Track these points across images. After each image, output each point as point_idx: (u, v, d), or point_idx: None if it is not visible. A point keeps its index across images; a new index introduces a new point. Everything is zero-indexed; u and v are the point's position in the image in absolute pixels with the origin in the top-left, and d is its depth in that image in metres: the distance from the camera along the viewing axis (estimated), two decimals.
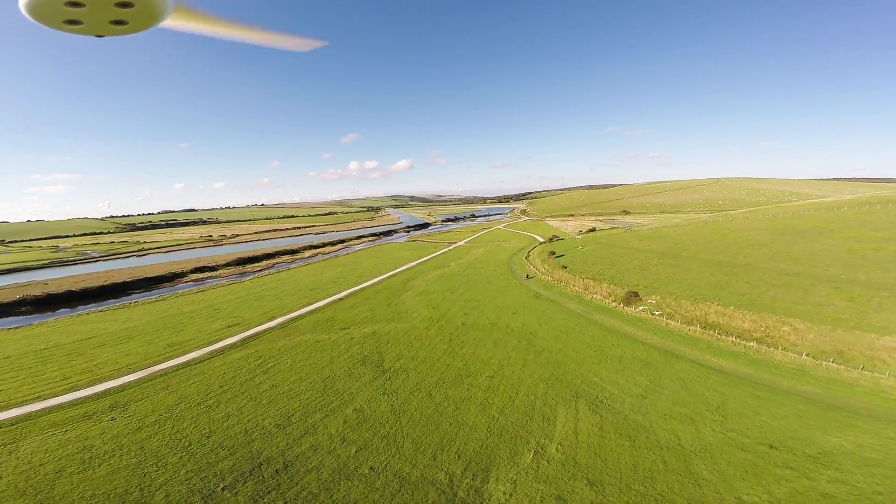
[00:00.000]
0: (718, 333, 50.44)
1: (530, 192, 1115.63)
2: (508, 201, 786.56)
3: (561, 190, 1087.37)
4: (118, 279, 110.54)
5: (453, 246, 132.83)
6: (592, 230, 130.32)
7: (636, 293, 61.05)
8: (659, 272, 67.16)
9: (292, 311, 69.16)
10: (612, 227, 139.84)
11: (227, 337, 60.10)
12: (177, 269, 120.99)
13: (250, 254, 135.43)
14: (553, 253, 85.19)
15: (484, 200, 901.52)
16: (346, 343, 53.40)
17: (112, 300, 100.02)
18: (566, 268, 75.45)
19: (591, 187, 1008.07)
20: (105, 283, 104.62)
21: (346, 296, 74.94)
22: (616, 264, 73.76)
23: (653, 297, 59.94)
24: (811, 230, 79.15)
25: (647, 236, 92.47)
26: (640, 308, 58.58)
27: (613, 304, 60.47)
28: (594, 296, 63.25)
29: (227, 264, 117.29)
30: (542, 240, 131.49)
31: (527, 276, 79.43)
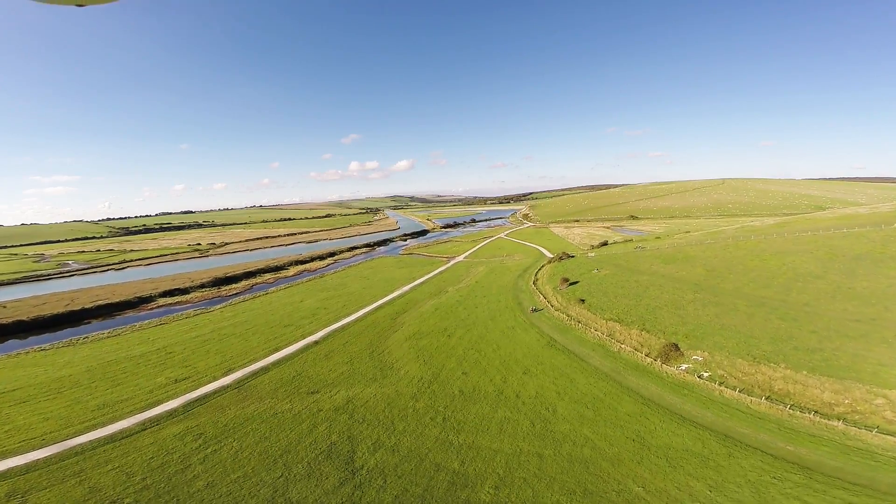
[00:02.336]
0: (790, 408, 39.20)
1: (531, 193, 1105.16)
2: (509, 202, 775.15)
3: (562, 190, 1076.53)
4: (79, 304, 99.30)
5: (452, 262, 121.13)
6: (604, 244, 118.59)
7: (676, 345, 49.46)
8: (698, 313, 55.57)
9: (255, 359, 57.93)
10: (626, 240, 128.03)
11: (169, 398, 49.39)
12: (147, 290, 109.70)
13: (230, 271, 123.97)
14: (566, 280, 73.52)
15: (484, 201, 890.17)
16: (310, 419, 42.03)
17: (69, 328, 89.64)
18: (584, 301, 63.89)
19: (591, 187, 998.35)
20: (61, 312, 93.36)
21: (324, 337, 63.49)
22: (643, 298, 62.15)
23: (698, 352, 48.35)
24: (867, 256, 67.51)
25: (671, 257, 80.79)
26: (683, 367, 47.07)
27: (648, 359, 48.90)
28: (623, 346, 51.66)
29: (202, 285, 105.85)
30: (549, 255, 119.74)
31: (533, 309, 67.88)
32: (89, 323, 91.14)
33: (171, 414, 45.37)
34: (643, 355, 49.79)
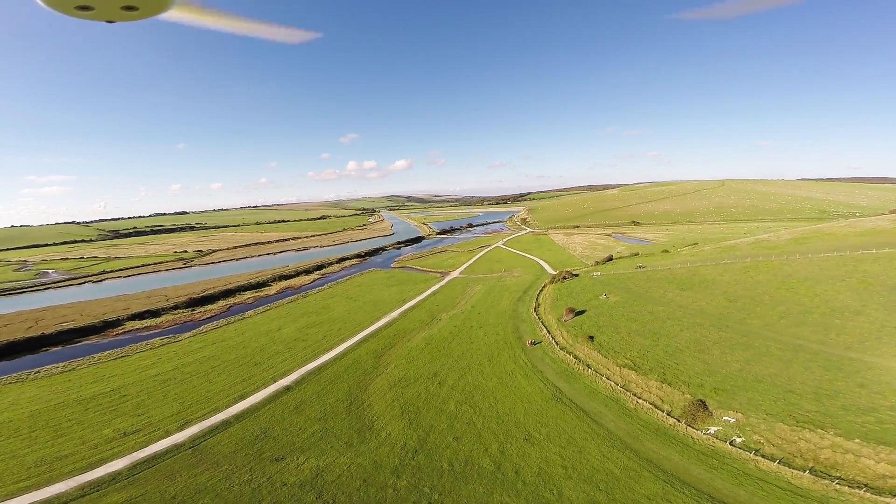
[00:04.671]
0: (837, 483, 33.01)
1: (528, 193, 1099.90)
2: (507, 203, 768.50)
3: (559, 191, 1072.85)
4: (42, 328, 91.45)
5: (447, 278, 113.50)
6: (610, 258, 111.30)
7: (703, 403, 42.30)
8: (726, 359, 48.38)
9: (217, 409, 50.51)
10: (632, 253, 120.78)
11: (115, 457, 42.25)
12: (118, 310, 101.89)
13: (209, 288, 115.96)
14: (572, 310, 66.04)
15: (482, 202, 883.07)
16: (272, 497, 35.07)
17: (29, 355, 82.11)
18: (593, 339, 56.50)
19: (590, 187, 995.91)
20: (19, 339, 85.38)
21: (297, 381, 55.91)
22: (660, 337, 54.88)
23: (729, 411, 41.17)
24: None
25: (686, 281, 73.58)
26: (712, 430, 40.05)
27: (671, 419, 41.81)
28: (640, 402, 44.43)
29: (176, 306, 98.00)
30: (551, 271, 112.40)
31: (532, 342, 60.83)
32: (49, 349, 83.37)
33: (114, 477, 39.06)
34: (664, 414, 42.64)
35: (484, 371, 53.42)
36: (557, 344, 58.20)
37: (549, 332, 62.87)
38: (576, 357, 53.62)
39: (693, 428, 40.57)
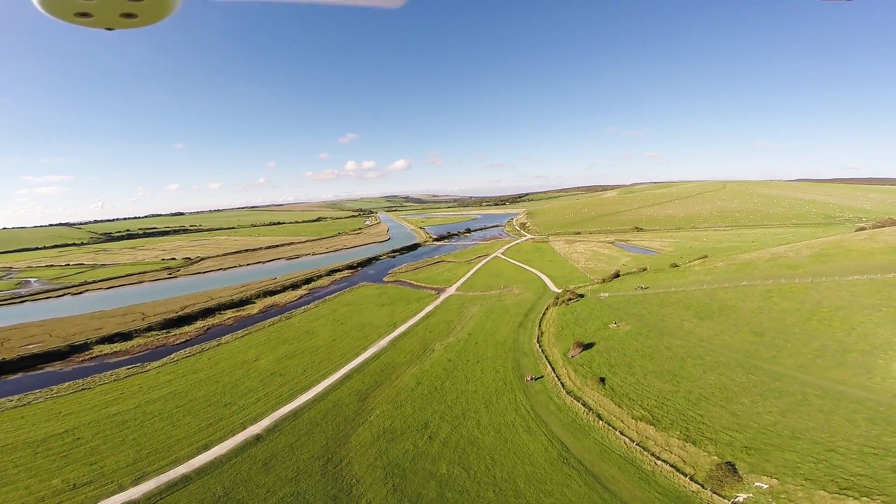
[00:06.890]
0: None
1: (527, 194, 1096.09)
2: (505, 204, 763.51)
3: (558, 192, 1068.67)
4: (4, 353, 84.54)
5: (442, 296, 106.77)
6: (617, 275, 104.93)
7: (732, 465, 36.16)
8: (757, 409, 42.07)
9: (178, 460, 44.21)
10: (640, 268, 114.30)
11: None
12: (90, 329, 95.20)
13: (189, 304, 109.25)
14: (580, 343, 59.61)
15: (480, 203, 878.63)
16: None
17: None
18: (604, 382, 50.09)
19: (589, 188, 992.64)
20: None
21: (269, 428, 49.19)
22: (680, 380, 48.52)
23: (763, 477, 35.00)
24: None
25: (704, 308, 67.26)
26: (741, 497, 34.07)
27: (694, 485, 35.66)
28: (659, 463, 38.10)
29: (150, 328, 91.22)
30: (553, 288, 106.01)
31: (531, 378, 54.80)
32: (8, 378, 76.60)
33: None
34: (687, 479, 36.37)
35: (480, 421, 46.88)
36: (564, 387, 51.70)
37: (554, 370, 56.40)
38: (585, 404, 47.12)
39: (719, 495, 34.43)
